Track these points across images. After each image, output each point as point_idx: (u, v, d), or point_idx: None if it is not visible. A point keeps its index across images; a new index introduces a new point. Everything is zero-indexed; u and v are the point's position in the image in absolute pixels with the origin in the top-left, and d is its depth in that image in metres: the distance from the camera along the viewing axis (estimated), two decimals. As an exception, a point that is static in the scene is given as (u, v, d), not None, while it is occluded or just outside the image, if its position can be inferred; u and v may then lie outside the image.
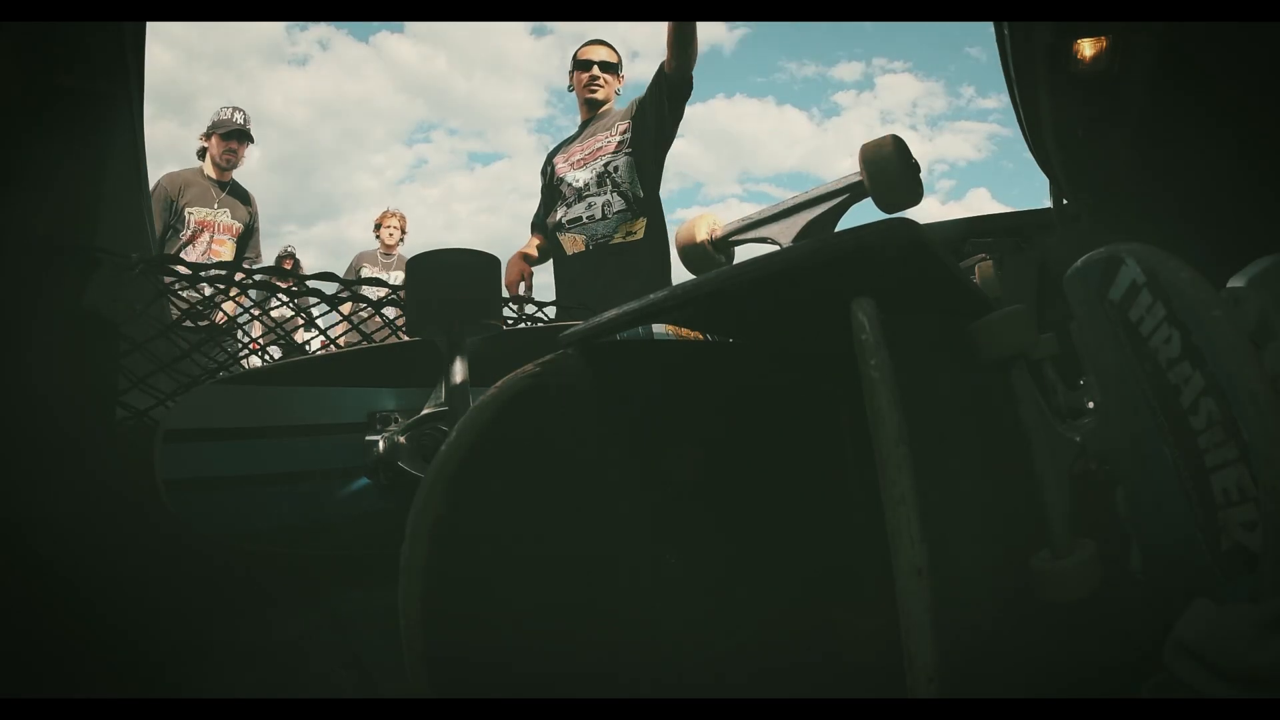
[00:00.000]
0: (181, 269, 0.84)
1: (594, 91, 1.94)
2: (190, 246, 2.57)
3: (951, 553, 0.38)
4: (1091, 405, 0.49)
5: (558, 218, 1.89)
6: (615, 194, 1.85)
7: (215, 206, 2.65)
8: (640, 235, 1.81)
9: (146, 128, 0.94)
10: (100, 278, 0.75)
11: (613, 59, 1.96)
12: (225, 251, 2.63)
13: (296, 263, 4.81)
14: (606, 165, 1.86)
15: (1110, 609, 0.46)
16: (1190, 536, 0.38)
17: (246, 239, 2.73)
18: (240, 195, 2.74)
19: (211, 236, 2.59)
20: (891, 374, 0.39)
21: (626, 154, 1.86)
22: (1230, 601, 0.37)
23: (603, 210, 1.84)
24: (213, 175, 2.65)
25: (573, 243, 1.86)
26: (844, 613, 0.43)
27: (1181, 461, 0.39)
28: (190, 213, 2.57)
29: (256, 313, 1.01)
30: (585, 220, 1.85)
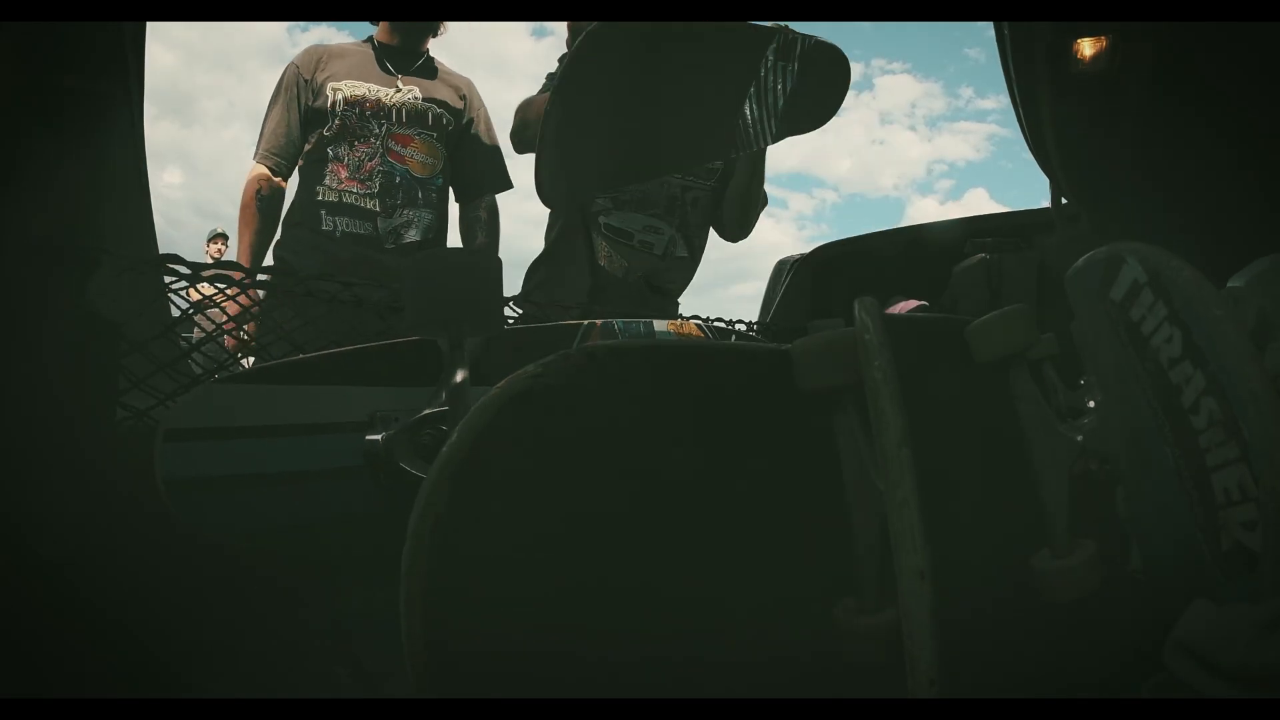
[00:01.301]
0: (181, 269, 0.84)
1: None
2: (345, 146, 1.51)
3: (953, 554, 0.38)
4: (1092, 405, 0.49)
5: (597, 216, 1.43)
6: (682, 235, 1.52)
7: (391, 87, 1.55)
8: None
9: (147, 128, 0.94)
10: (100, 278, 0.75)
11: None
12: (419, 157, 1.57)
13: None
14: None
15: (1110, 609, 0.46)
16: (1190, 536, 0.38)
17: (460, 138, 1.64)
18: (442, 75, 1.64)
19: (386, 129, 1.53)
20: (895, 376, 0.38)
21: (711, 189, 1.49)
22: (1230, 601, 0.37)
23: (665, 249, 1.50)
24: (387, 41, 1.59)
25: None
26: (844, 613, 0.43)
27: (1182, 461, 0.39)
28: (336, 89, 1.52)
29: (257, 312, 1.01)
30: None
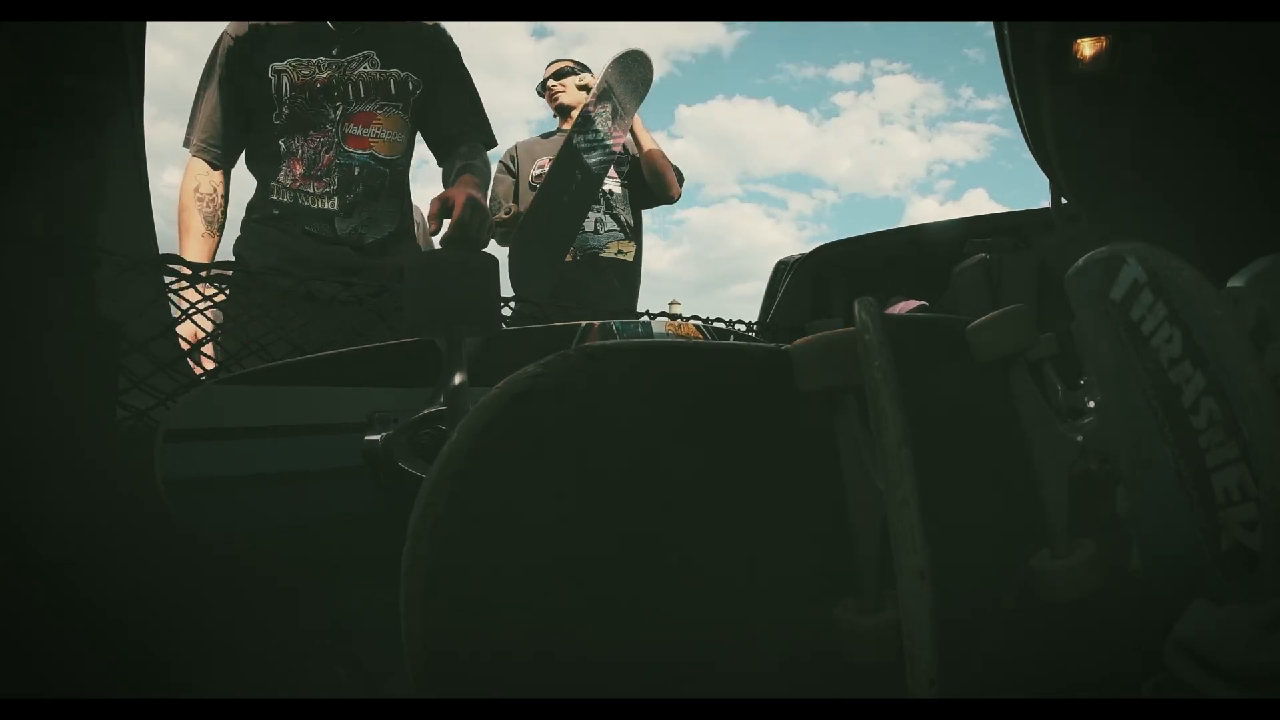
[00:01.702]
0: (182, 269, 0.84)
1: (556, 98, 2.10)
2: (299, 138, 1.33)
3: (953, 554, 0.38)
4: (1092, 405, 0.49)
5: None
6: (609, 214, 2.06)
7: (334, 53, 1.34)
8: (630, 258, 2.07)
9: (147, 128, 0.94)
10: (101, 278, 0.75)
11: (567, 65, 2.12)
12: (384, 135, 1.37)
13: None
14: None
15: (1110, 609, 0.46)
16: (1190, 536, 0.38)
17: (430, 95, 1.42)
18: (404, 25, 1.41)
19: (342, 111, 1.34)
20: (895, 376, 0.38)
21: (623, 184, 2.08)
22: (1230, 601, 0.37)
23: (595, 225, 2.05)
24: None
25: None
26: (845, 613, 0.43)
27: (1182, 461, 0.39)
28: (279, 71, 1.32)
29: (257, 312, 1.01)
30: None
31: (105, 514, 0.66)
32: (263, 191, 1.40)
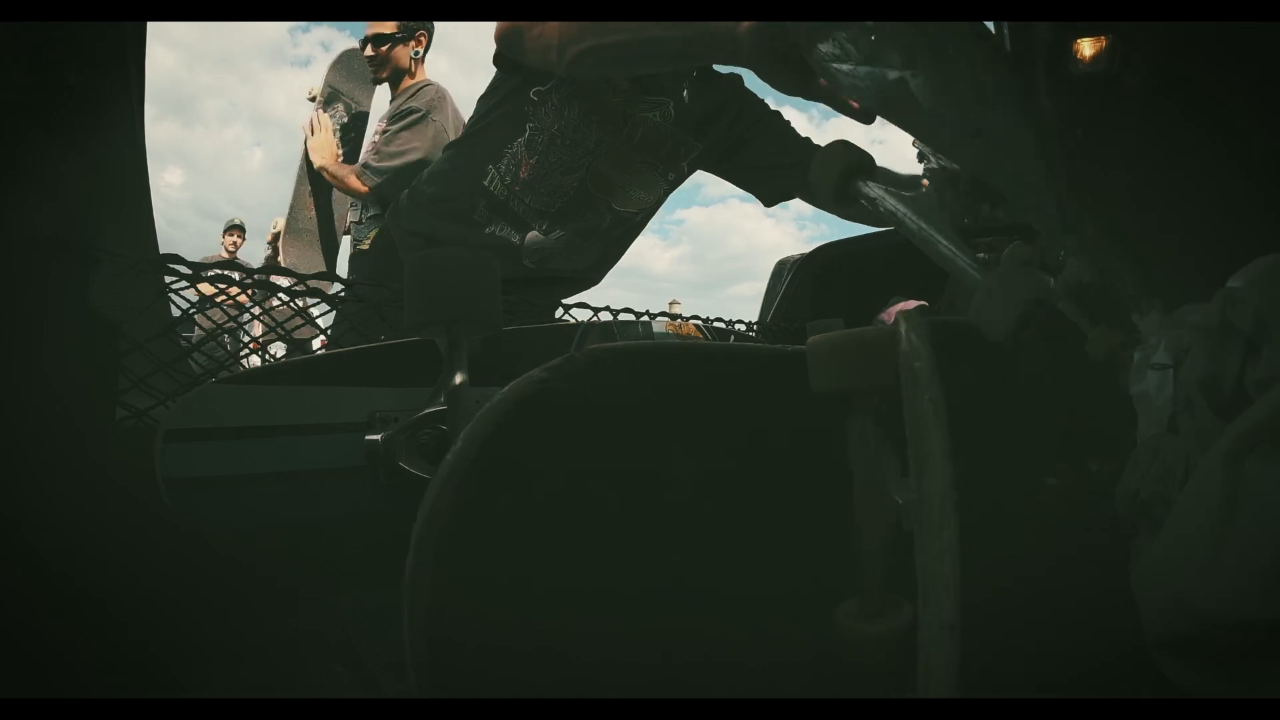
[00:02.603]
0: (182, 268, 0.84)
1: (374, 73, 2.05)
2: (545, 137, 1.10)
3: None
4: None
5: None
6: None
7: (641, 88, 1.02)
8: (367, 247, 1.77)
9: (148, 128, 0.94)
10: (101, 277, 0.75)
11: (385, 29, 1.94)
12: (634, 192, 1.17)
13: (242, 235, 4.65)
14: None
15: (1110, 608, 0.46)
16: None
17: (727, 150, 1.26)
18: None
19: (605, 145, 1.13)
20: (945, 412, 0.35)
21: None
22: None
23: (360, 215, 2.02)
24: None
25: None
26: (845, 617, 0.43)
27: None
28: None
29: (257, 311, 1.01)
30: None
31: (105, 513, 0.66)
32: (474, 167, 1.13)
